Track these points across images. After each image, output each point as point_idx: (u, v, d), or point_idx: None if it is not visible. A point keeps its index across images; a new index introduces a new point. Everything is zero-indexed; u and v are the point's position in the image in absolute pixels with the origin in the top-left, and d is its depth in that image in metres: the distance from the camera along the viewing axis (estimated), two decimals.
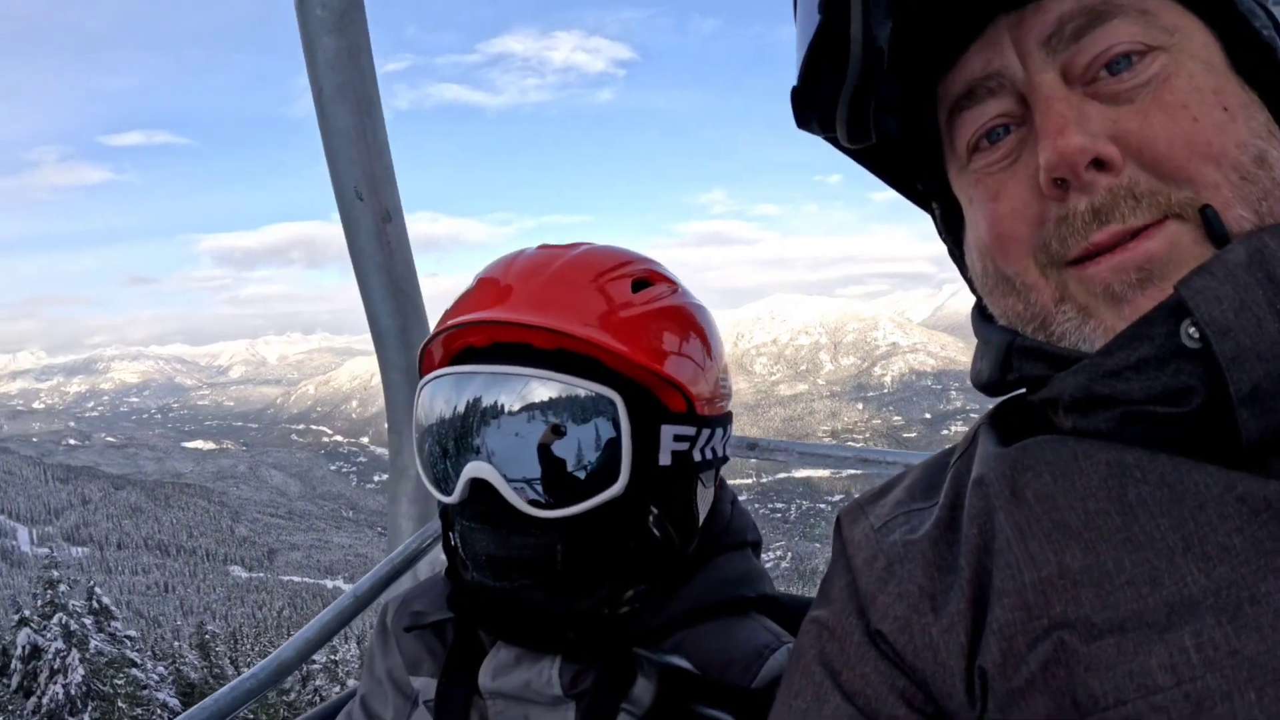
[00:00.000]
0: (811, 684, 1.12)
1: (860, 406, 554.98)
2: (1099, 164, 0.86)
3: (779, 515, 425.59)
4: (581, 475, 1.49)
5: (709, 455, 1.74)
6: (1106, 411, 0.95)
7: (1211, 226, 0.83)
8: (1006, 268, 0.98)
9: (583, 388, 1.44)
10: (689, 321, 1.67)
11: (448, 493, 1.44)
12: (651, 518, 1.57)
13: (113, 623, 29.28)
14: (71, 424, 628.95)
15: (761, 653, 1.54)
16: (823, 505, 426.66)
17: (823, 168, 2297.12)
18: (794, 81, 1.12)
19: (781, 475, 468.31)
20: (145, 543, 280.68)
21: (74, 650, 26.45)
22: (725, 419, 1.77)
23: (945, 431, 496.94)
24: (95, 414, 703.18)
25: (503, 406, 1.46)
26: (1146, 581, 0.84)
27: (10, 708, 26.78)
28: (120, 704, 26.60)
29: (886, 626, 1.08)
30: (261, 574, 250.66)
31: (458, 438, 1.46)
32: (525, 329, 1.45)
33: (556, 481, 1.47)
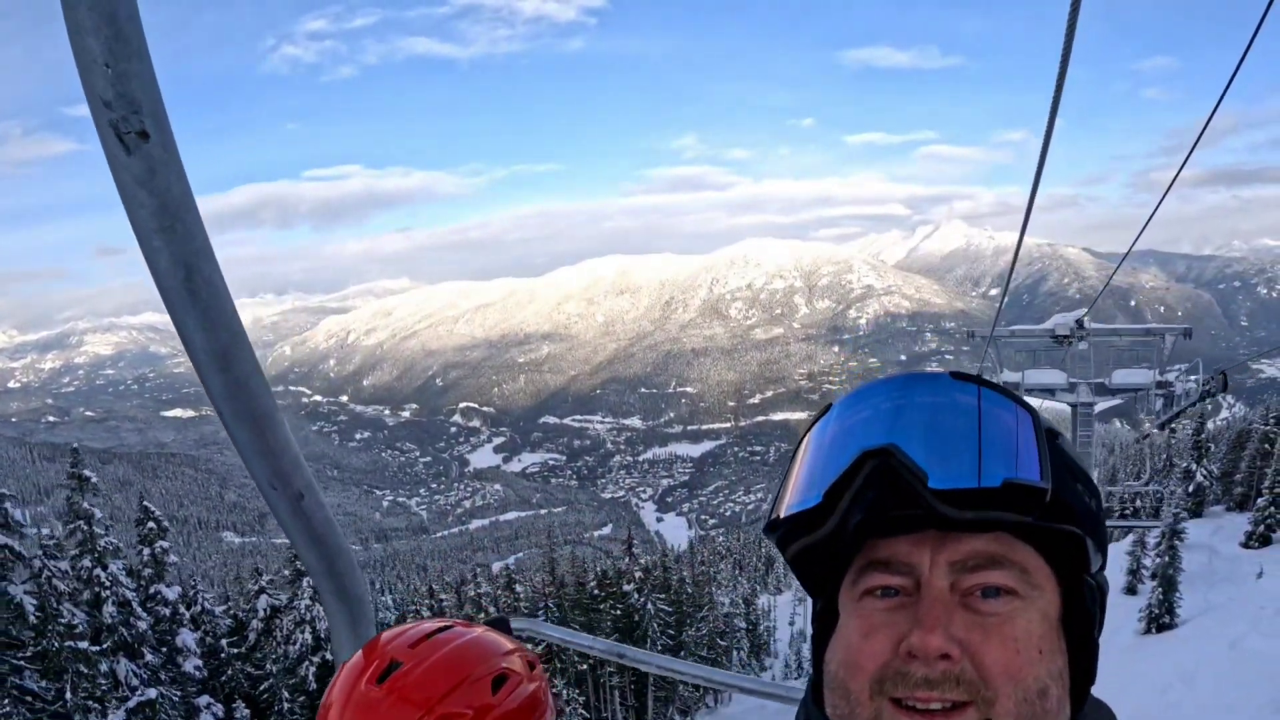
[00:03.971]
0: None
1: (836, 349, 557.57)
2: (945, 656, 1.08)
3: (758, 458, 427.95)
4: None
5: None
6: None
7: None
8: (850, 684, 1.15)
9: None
10: None
11: None
12: None
13: None
14: (49, 401, 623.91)
15: None
16: None
17: (795, 111, 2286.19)
18: (777, 512, 1.18)
19: (759, 418, 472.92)
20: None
21: (316, 605, 31.05)
22: None
23: None
24: (72, 389, 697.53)
25: None
26: None
27: (257, 655, 31.48)
28: None
29: None
30: (254, 538, 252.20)
31: None
32: None
33: None
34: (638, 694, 53.30)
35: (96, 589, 23.41)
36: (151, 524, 27.26)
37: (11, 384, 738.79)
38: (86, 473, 24.09)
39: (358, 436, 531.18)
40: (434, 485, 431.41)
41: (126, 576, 24.66)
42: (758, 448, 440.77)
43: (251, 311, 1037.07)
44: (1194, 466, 54.49)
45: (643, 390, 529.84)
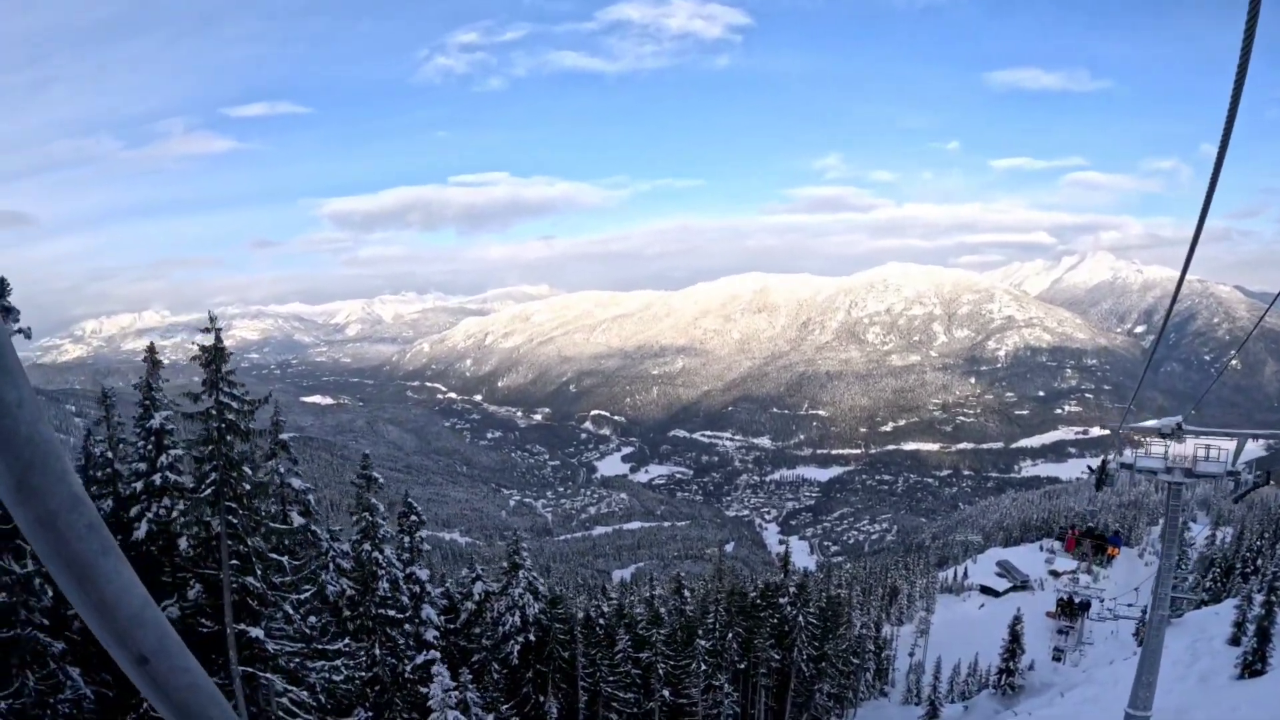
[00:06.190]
0: None
1: (973, 381, 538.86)
2: None
3: (886, 487, 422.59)
4: None
5: None
6: None
7: None
8: None
9: None
10: None
11: None
12: None
13: (532, 573, 38.69)
14: (196, 379, 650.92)
15: None
16: (930, 479, 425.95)
17: (939, 134, 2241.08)
18: None
19: (890, 447, 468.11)
20: None
21: (527, 593, 35.86)
22: None
23: (1058, 410, 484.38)
24: None
25: None
26: None
27: (470, 632, 36.43)
28: (556, 625, 37.02)
29: None
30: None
31: None
32: None
33: None
34: (778, 696, 57.04)
35: (373, 569, 28.31)
36: (414, 516, 32.27)
37: (161, 359, 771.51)
38: (374, 473, 29.04)
39: (489, 435, 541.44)
40: (561, 489, 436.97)
41: (397, 560, 29.55)
42: (886, 477, 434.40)
43: (393, 308, 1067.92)
44: None
45: (774, 410, 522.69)
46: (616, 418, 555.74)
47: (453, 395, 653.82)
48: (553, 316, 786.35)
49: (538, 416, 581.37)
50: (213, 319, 21.37)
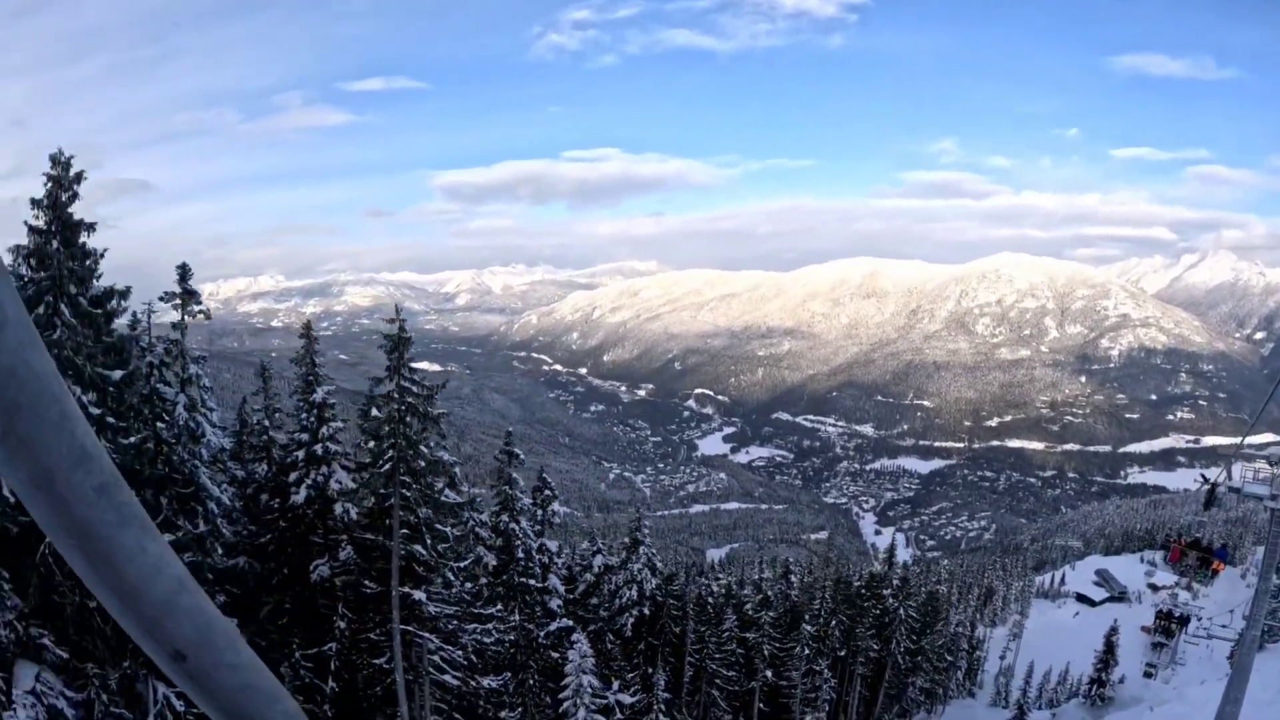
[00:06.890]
0: None
1: (1083, 379, 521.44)
2: None
3: (987, 484, 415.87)
4: None
5: None
6: None
7: None
8: None
9: None
10: None
11: None
12: None
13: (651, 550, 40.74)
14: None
15: None
16: (1032, 479, 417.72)
17: (1059, 120, 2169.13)
18: None
19: (994, 442, 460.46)
20: None
21: (645, 569, 38.02)
22: None
23: (1170, 416, 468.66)
24: (329, 333, 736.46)
25: None
26: None
27: (587, 603, 38.64)
28: (670, 600, 39.02)
29: None
30: (481, 490, 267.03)
31: None
32: None
33: None
34: (872, 686, 58.54)
35: (509, 538, 30.66)
36: (547, 491, 34.61)
37: (275, 323, 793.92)
38: (516, 450, 31.38)
39: (592, 409, 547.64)
40: (661, 465, 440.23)
41: (532, 531, 31.87)
42: (988, 473, 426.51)
43: (502, 279, 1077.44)
44: None
45: (879, 398, 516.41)
46: (720, 397, 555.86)
47: (558, 367, 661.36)
48: (660, 293, 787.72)
49: (641, 392, 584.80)
50: (398, 310, 23.63)
